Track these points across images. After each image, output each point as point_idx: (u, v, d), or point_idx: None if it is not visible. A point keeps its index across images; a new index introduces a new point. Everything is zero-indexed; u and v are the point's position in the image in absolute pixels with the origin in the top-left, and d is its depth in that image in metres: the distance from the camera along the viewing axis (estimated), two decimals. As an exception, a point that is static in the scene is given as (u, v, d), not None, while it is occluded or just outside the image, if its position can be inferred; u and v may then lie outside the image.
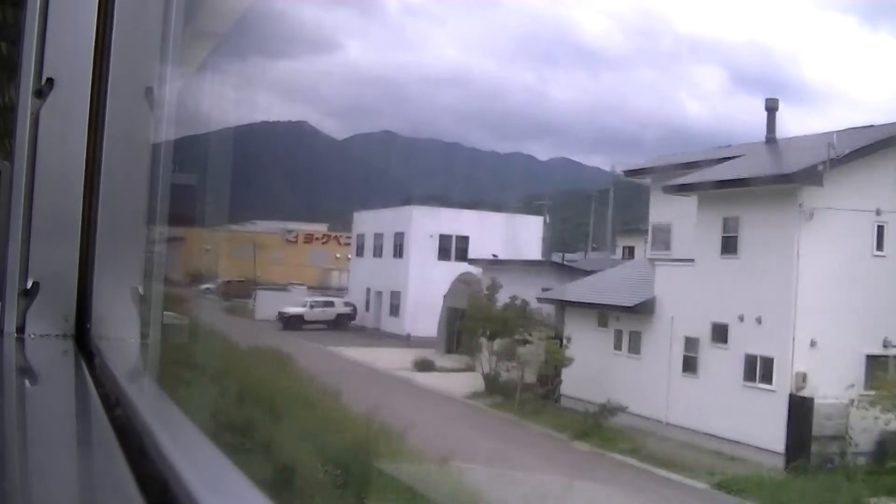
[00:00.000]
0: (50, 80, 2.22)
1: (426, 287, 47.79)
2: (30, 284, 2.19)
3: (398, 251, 55.58)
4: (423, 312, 46.35)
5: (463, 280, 43.54)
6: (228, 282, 63.49)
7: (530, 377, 32.76)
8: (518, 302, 33.85)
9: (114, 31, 2.28)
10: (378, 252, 58.19)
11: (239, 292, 62.60)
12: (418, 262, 52.08)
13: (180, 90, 3.06)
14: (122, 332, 2.25)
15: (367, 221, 60.91)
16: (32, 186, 2.20)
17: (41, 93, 2.22)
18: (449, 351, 41.89)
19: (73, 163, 2.24)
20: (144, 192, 2.31)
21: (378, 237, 58.57)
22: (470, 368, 35.67)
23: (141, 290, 2.29)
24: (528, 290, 34.80)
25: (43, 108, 2.22)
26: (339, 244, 78.76)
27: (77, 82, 2.25)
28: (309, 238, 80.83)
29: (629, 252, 45.42)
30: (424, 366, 38.77)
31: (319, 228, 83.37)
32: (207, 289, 58.57)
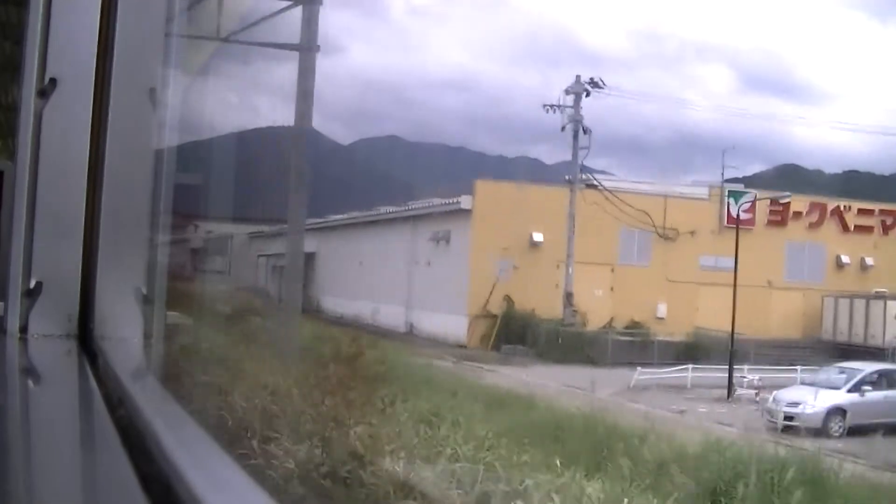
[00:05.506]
0: (53, 80, 2.22)
1: None
2: (33, 284, 2.19)
3: None
4: None
5: None
6: None
7: None
8: None
9: (117, 30, 2.27)
10: None
11: None
12: None
13: (185, 91, 3.06)
14: (125, 331, 2.25)
15: None
16: (35, 186, 2.20)
17: (44, 92, 2.21)
18: None
19: (77, 162, 2.23)
20: (148, 192, 2.31)
21: None
22: None
23: (144, 290, 2.28)
24: None
25: (46, 107, 2.21)
26: (844, 227, 36.96)
27: (80, 82, 2.24)
28: (779, 214, 36.57)
29: None
30: None
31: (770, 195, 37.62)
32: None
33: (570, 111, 35.92)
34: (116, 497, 1.32)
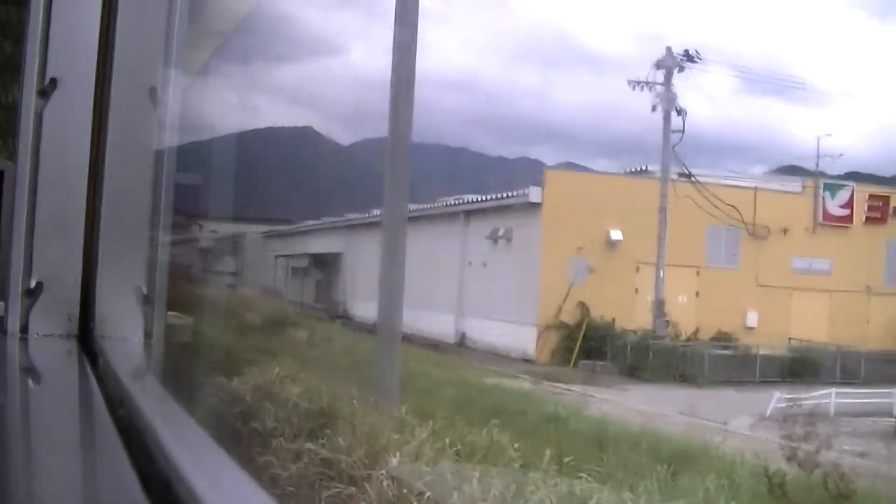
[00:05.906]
0: (53, 80, 2.22)
1: None
2: (33, 284, 2.19)
3: None
4: None
5: None
6: None
7: None
8: None
9: (117, 30, 2.27)
10: None
11: None
12: None
13: (185, 90, 3.06)
14: (125, 331, 2.24)
15: None
16: (36, 186, 2.20)
17: (45, 92, 2.21)
18: None
19: (77, 162, 2.23)
20: (149, 192, 2.31)
21: None
22: None
23: (145, 290, 2.28)
24: None
25: (46, 107, 2.21)
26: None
27: (80, 82, 2.24)
28: (878, 210, 30.94)
29: None
30: None
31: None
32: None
33: (659, 89, 30.43)
34: (116, 497, 1.31)
